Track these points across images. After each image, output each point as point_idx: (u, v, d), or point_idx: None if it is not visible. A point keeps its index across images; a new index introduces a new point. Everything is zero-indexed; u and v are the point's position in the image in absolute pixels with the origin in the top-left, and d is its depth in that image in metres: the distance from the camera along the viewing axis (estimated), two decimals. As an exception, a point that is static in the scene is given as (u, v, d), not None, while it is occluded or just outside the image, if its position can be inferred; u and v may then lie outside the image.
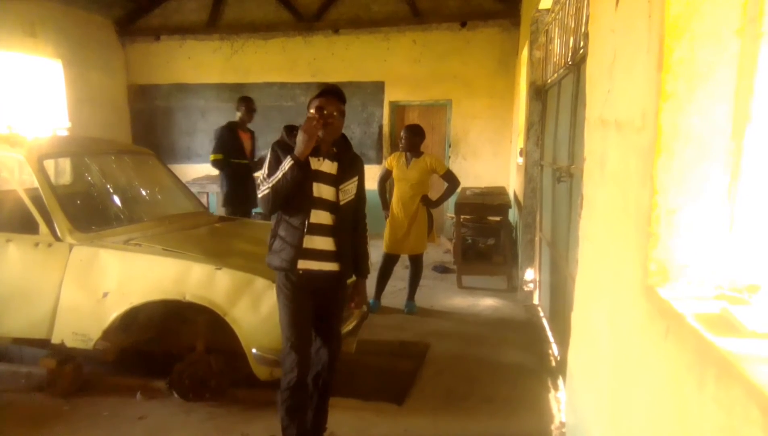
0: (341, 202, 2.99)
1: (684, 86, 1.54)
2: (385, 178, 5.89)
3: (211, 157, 6.40)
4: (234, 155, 6.33)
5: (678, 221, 1.60)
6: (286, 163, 2.83)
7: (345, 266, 3.08)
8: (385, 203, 5.89)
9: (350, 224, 3.10)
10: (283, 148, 2.95)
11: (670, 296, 1.55)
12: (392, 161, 5.77)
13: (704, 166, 1.57)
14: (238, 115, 6.56)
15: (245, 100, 6.61)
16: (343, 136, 3.08)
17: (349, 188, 3.03)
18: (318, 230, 2.96)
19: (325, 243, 2.98)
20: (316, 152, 2.94)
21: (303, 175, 2.85)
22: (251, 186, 6.30)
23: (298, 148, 2.83)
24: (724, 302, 1.45)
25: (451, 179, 5.72)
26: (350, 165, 3.05)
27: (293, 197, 2.91)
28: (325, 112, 2.87)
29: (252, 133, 6.73)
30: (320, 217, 2.96)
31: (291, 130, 3.04)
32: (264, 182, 2.94)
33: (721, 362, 1.17)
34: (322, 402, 3.20)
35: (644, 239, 1.66)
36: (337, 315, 3.21)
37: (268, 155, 2.98)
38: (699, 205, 1.59)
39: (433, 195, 5.87)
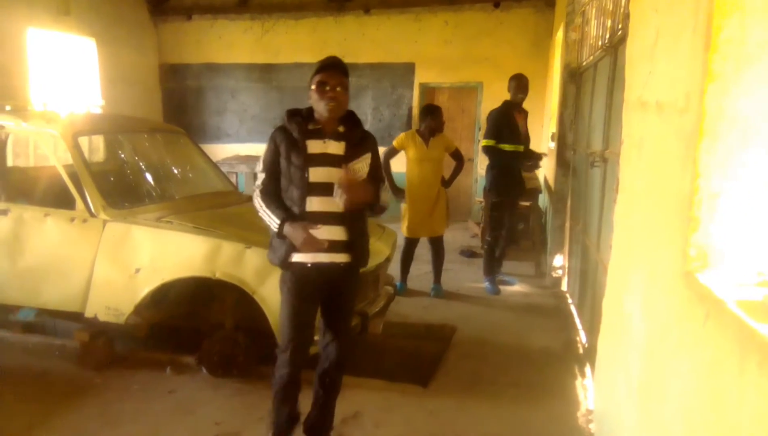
0: None
1: (732, 67, 1.50)
2: (391, 156, 5.60)
3: (483, 142, 5.80)
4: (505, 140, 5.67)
5: (720, 206, 1.56)
6: (274, 222, 2.70)
7: (356, 257, 2.83)
8: (393, 184, 5.57)
9: (363, 206, 2.78)
10: (283, 136, 2.75)
11: (710, 282, 1.51)
12: (405, 141, 5.56)
13: (749, 149, 1.53)
14: (510, 95, 5.76)
15: (516, 76, 5.77)
16: (351, 113, 2.82)
17: (359, 167, 2.75)
18: (324, 218, 2.71)
19: (333, 233, 2.72)
20: (320, 134, 2.74)
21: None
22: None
23: (288, 237, 2.69)
24: (766, 289, 1.41)
25: (459, 157, 5.70)
26: (359, 143, 2.79)
27: (288, 184, 2.74)
28: (328, 87, 2.66)
29: (525, 112, 5.92)
30: (327, 203, 2.68)
31: (293, 115, 2.78)
32: (257, 187, 2.80)
33: (764, 349, 1.14)
34: (328, 399, 3.01)
35: (684, 224, 1.62)
36: (347, 310, 3.01)
37: (267, 144, 2.80)
38: (742, 190, 1.55)
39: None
